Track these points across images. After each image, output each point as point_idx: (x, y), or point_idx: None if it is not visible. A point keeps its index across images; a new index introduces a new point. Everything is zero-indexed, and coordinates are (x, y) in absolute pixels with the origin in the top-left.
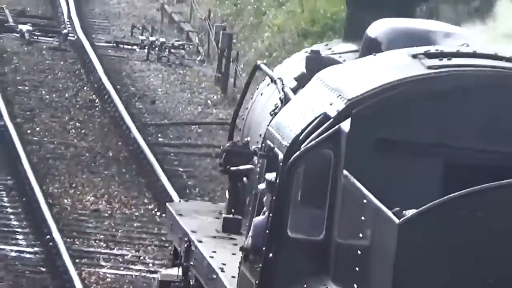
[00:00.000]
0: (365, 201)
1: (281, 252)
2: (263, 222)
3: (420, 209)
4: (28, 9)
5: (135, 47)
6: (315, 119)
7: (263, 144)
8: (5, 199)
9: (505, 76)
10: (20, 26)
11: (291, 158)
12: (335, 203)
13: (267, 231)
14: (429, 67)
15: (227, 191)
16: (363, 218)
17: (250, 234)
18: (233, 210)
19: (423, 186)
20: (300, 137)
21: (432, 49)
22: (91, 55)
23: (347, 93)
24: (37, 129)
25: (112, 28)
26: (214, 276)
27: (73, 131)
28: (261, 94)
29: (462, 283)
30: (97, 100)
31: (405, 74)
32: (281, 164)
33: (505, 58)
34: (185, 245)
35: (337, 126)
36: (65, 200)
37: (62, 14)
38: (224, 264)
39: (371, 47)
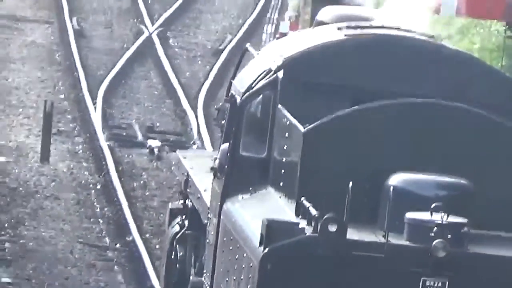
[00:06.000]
0: (288, 122)
1: (236, 167)
2: (226, 147)
3: (320, 121)
4: (157, 124)
5: None
6: (262, 72)
7: (229, 94)
8: None
9: (398, 39)
10: (149, 142)
11: (243, 98)
12: (274, 129)
13: (228, 154)
14: (346, 35)
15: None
16: (286, 135)
17: (218, 157)
18: None
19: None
20: (252, 85)
21: (353, 24)
22: None
23: (285, 53)
24: None
25: None
26: (199, 196)
27: None
28: None
29: (350, 175)
30: None
31: (327, 39)
32: (238, 105)
33: (404, 29)
34: (185, 178)
35: (275, 75)
36: None
37: (191, 129)
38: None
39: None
